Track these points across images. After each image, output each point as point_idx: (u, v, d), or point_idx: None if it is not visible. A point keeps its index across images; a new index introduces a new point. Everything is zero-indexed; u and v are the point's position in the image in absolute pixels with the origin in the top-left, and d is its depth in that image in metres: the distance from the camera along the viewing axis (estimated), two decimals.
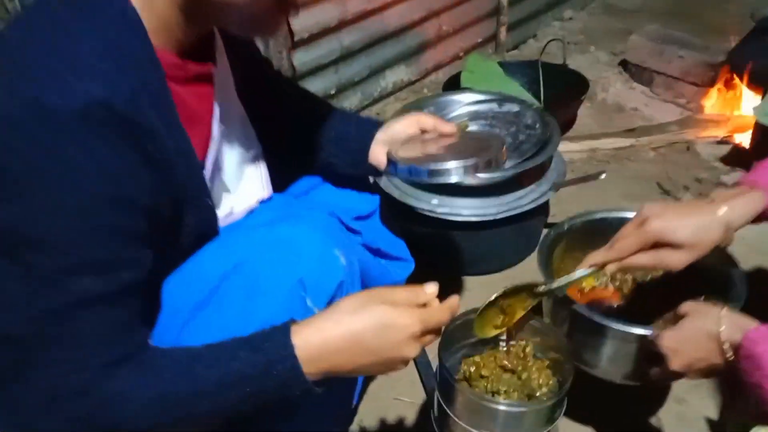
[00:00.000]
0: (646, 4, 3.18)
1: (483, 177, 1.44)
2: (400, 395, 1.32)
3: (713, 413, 1.27)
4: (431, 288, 0.79)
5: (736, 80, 2.19)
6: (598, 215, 1.25)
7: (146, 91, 0.67)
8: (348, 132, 1.06)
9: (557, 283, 1.02)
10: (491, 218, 1.45)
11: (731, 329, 0.83)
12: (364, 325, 0.73)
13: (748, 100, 2.14)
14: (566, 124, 2.13)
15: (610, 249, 0.98)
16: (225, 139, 0.87)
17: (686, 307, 0.93)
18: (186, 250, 0.82)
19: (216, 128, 0.83)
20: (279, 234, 0.83)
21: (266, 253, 0.81)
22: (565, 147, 1.98)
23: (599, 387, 1.28)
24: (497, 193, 1.49)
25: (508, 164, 1.48)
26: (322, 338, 0.72)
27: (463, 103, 1.70)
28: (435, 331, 0.78)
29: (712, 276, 1.11)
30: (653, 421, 1.28)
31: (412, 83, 2.34)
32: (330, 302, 0.82)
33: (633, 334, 1.01)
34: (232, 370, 0.70)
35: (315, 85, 1.96)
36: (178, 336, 0.80)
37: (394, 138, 1.03)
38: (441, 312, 0.78)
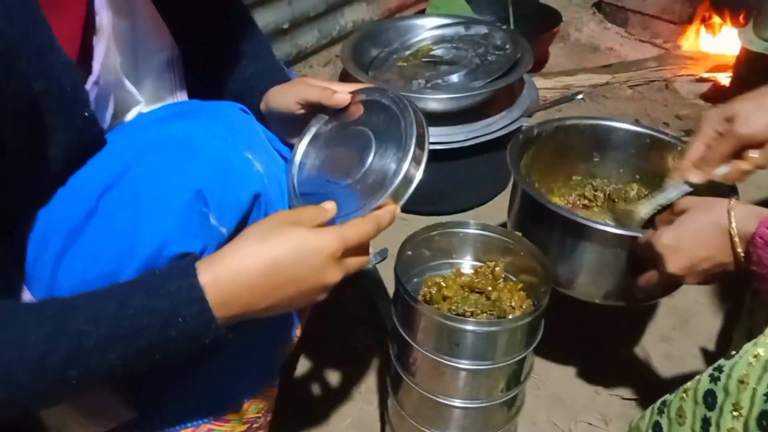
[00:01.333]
0: None
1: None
2: (354, 342, 1.19)
3: (699, 354, 1.17)
4: (330, 204, 0.65)
5: (716, 17, 2.08)
6: (569, 121, 1.12)
7: None
8: (257, 80, 0.83)
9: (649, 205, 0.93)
10: (459, 145, 1.32)
11: (743, 220, 0.72)
12: (278, 252, 0.60)
13: (729, 36, 2.03)
14: (538, 62, 2.00)
15: (701, 161, 0.86)
16: (122, 34, 0.69)
17: (686, 202, 0.82)
18: (62, 173, 0.64)
19: (103, 19, 0.64)
20: (171, 133, 0.65)
21: (153, 157, 0.63)
22: (537, 84, 1.84)
23: (580, 323, 1.18)
24: (466, 120, 1.35)
25: (477, 84, 1.35)
26: (232, 274, 0.58)
27: (427, 27, 1.55)
28: (359, 250, 0.64)
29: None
30: (637, 356, 1.17)
31: (375, 23, 2.18)
32: (244, 222, 0.66)
33: (621, 235, 0.88)
34: (123, 322, 0.56)
35: (266, 18, 1.79)
36: (52, 273, 0.64)
37: (274, 114, 0.80)
38: (363, 225, 0.64)
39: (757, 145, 0.82)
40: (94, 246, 0.62)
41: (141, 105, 0.74)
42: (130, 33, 0.70)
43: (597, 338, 1.19)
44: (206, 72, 0.85)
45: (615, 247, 0.90)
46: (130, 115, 0.74)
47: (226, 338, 0.60)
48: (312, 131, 0.76)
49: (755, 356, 0.65)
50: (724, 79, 1.95)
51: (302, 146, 0.75)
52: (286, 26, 1.86)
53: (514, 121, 1.37)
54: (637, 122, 1.18)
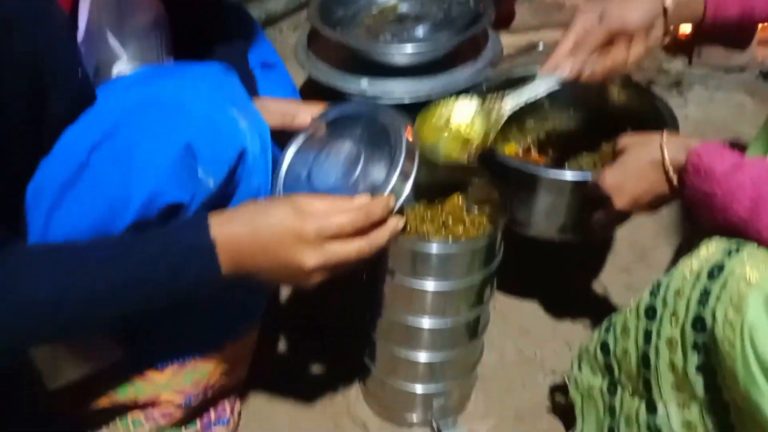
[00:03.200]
0: None
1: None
2: (333, 285, 1.24)
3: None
4: (361, 199, 0.67)
5: None
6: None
7: None
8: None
9: (515, 99, 0.90)
10: (425, 98, 1.36)
11: (674, 152, 0.78)
12: (262, 224, 0.64)
13: None
14: (504, 20, 2.03)
15: (576, 50, 0.88)
16: None
17: (623, 140, 0.88)
18: (58, 130, 0.67)
19: None
20: (159, 91, 0.68)
21: (143, 114, 0.66)
22: (504, 41, 1.88)
23: (543, 261, 1.24)
24: (431, 72, 1.39)
25: (443, 39, 1.39)
26: (236, 232, 0.63)
27: None
28: (346, 240, 0.65)
29: (641, 118, 1.05)
30: (598, 288, 1.24)
31: None
32: (231, 176, 0.70)
33: (569, 181, 0.95)
34: (139, 266, 0.61)
35: None
36: (45, 224, 0.67)
37: None
38: (349, 213, 0.65)
39: (627, 39, 0.87)
40: (86, 199, 0.66)
41: (123, 61, 0.76)
42: None
43: (561, 274, 1.25)
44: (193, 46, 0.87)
45: (566, 190, 0.97)
46: (114, 73, 0.76)
47: (226, 292, 0.65)
48: (299, 140, 0.78)
49: (690, 269, 0.71)
50: (686, 28, 2.00)
51: (288, 156, 0.77)
52: None
53: (479, 72, 1.41)
54: None
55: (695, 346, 0.69)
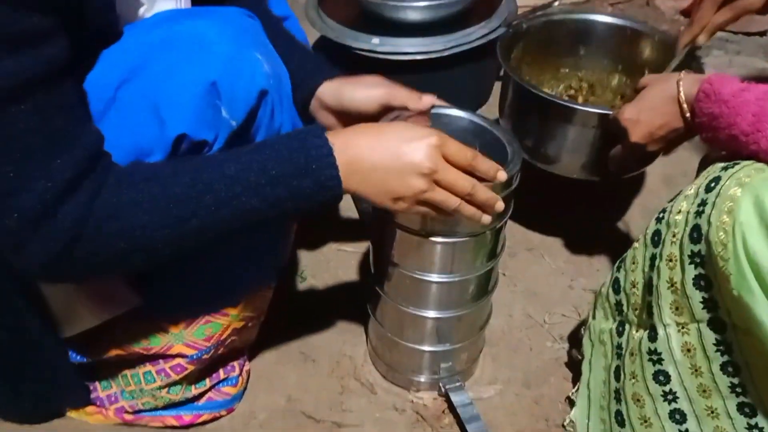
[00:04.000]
0: None
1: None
2: (343, 246, 1.23)
3: None
4: (502, 175, 0.73)
5: None
6: (558, 16, 1.21)
7: None
8: (285, 62, 0.79)
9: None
10: (437, 55, 1.33)
11: (689, 86, 0.82)
12: (386, 131, 0.68)
13: None
14: None
15: (692, 25, 0.99)
16: None
17: (644, 79, 0.94)
18: (88, 56, 0.67)
19: None
20: (183, 30, 0.68)
21: (169, 52, 0.66)
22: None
23: (558, 206, 1.27)
24: (444, 30, 1.36)
25: None
26: (354, 137, 0.67)
27: None
28: (455, 178, 0.69)
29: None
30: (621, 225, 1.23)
31: None
32: (251, 116, 0.70)
33: (594, 113, 1.01)
34: (269, 168, 0.63)
35: None
36: None
37: (345, 110, 0.82)
38: (464, 147, 0.70)
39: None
40: (113, 134, 0.65)
41: (144, 8, 0.74)
42: None
43: (570, 239, 1.24)
44: None
45: (590, 124, 1.02)
46: (130, 14, 0.74)
47: (338, 200, 0.68)
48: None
49: (691, 190, 0.73)
50: None
51: None
52: None
53: (493, 30, 1.37)
54: (618, 15, 1.24)
55: (692, 258, 0.71)
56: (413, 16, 1.33)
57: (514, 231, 1.25)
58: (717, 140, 0.76)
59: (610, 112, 0.97)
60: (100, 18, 0.65)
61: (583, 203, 1.29)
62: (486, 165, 0.71)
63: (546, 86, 1.25)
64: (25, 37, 0.54)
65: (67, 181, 0.58)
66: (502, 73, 1.21)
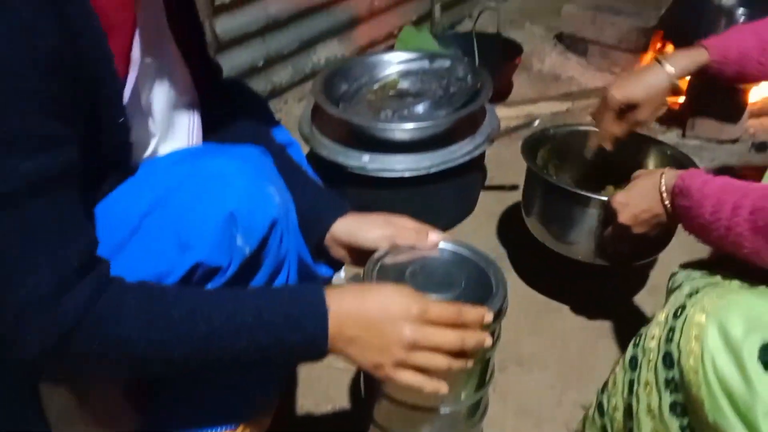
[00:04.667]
0: None
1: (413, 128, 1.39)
2: (333, 362, 1.24)
3: None
4: (489, 317, 0.73)
5: (669, 45, 2.19)
6: (581, 128, 1.37)
7: None
8: (299, 197, 0.85)
9: None
10: (425, 173, 1.39)
11: (669, 179, 0.93)
12: (377, 293, 0.72)
13: None
14: (502, 92, 2.09)
15: (599, 132, 1.21)
16: (150, 70, 0.76)
17: (638, 172, 1.08)
18: (98, 180, 0.72)
19: (137, 50, 0.72)
20: (205, 166, 0.74)
21: (191, 186, 0.72)
22: (501, 113, 1.93)
23: (545, 334, 1.27)
24: (431, 147, 1.43)
25: (441, 114, 1.44)
26: (346, 302, 0.70)
27: (394, 62, 1.64)
28: (437, 339, 0.70)
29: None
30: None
31: (345, 59, 2.27)
32: (263, 244, 0.74)
33: (595, 199, 1.17)
34: (263, 313, 0.67)
35: (241, 57, 1.87)
36: None
37: (358, 247, 0.86)
38: (447, 306, 0.72)
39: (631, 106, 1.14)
40: (137, 260, 0.70)
41: (156, 140, 0.80)
42: (157, 68, 0.77)
43: (560, 349, 1.25)
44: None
45: (593, 209, 1.18)
46: (148, 150, 0.80)
47: (321, 359, 0.70)
48: (384, 255, 0.83)
49: (662, 315, 0.78)
50: (679, 100, 2.06)
51: (381, 253, 0.83)
52: (260, 64, 1.94)
53: (477, 147, 1.44)
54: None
55: (667, 384, 0.73)
56: (401, 136, 1.40)
57: (505, 342, 1.26)
58: (692, 229, 0.86)
59: (605, 198, 1.11)
60: (114, 145, 0.71)
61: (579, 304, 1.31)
62: (472, 315, 0.72)
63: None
64: (47, 140, 0.59)
65: (73, 271, 0.60)
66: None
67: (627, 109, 1.14)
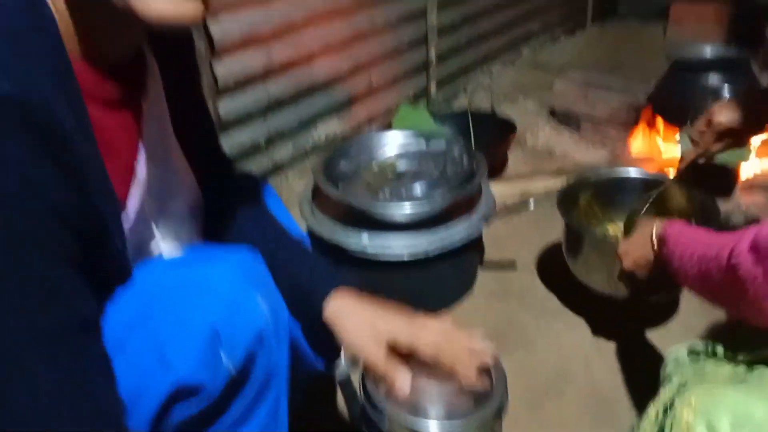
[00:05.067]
0: (572, 60, 3.32)
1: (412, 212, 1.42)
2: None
3: None
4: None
5: (659, 120, 2.26)
6: (623, 174, 1.54)
7: (63, 98, 0.59)
8: (297, 273, 0.88)
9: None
10: (423, 255, 1.41)
11: (658, 230, 1.05)
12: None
13: (668, 137, 2.20)
14: (497, 169, 2.14)
15: (696, 146, 1.32)
16: (155, 181, 0.77)
17: (641, 221, 1.23)
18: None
19: (141, 169, 0.74)
20: (192, 276, 0.74)
21: (176, 297, 0.72)
22: (497, 189, 1.97)
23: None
24: (429, 226, 1.45)
25: (437, 196, 1.47)
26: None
27: (391, 143, 1.69)
28: None
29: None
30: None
31: (345, 136, 2.33)
32: (248, 358, 0.73)
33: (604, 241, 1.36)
34: None
35: (243, 135, 1.93)
36: None
37: (350, 347, 0.85)
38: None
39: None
40: (121, 375, 0.67)
41: (159, 240, 0.82)
42: (160, 178, 0.78)
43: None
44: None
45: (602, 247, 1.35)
46: (151, 249, 0.81)
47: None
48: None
49: (653, 411, 0.82)
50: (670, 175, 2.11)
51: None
52: (262, 142, 1.99)
53: (474, 227, 1.47)
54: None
55: None
56: (400, 217, 1.43)
57: None
58: (674, 275, 0.96)
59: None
60: (113, 264, 0.71)
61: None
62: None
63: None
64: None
65: None
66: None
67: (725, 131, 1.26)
